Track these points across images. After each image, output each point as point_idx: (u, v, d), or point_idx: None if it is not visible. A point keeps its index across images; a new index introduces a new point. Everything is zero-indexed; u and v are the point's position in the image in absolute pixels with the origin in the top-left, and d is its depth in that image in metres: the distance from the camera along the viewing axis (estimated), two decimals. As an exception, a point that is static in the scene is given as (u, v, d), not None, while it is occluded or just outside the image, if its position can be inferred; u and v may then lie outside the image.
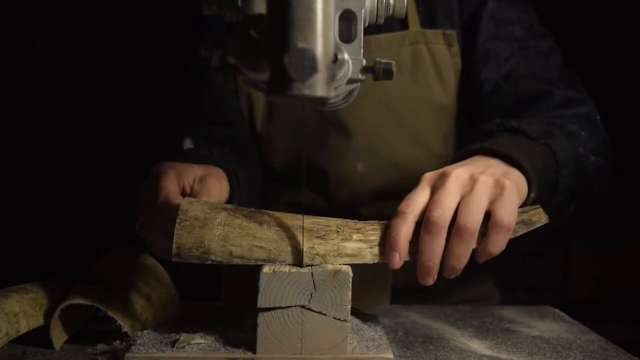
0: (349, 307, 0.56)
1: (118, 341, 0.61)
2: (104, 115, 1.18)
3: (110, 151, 1.17)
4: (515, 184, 0.61)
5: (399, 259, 0.58)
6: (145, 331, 0.62)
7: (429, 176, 0.62)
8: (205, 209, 0.59)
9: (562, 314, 0.79)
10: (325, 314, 0.55)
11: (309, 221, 0.59)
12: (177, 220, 0.57)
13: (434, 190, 0.60)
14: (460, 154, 0.69)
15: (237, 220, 0.58)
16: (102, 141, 1.18)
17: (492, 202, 0.59)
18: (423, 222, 0.58)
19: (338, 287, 0.55)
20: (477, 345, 0.65)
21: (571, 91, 0.88)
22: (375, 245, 0.59)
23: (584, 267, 1.81)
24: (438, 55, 0.94)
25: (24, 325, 0.62)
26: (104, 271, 0.67)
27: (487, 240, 0.59)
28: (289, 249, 0.57)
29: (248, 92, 0.98)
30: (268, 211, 0.60)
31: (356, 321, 0.63)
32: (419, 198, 0.60)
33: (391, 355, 0.57)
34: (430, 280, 0.59)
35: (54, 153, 1.15)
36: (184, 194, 0.71)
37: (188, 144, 0.88)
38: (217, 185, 0.73)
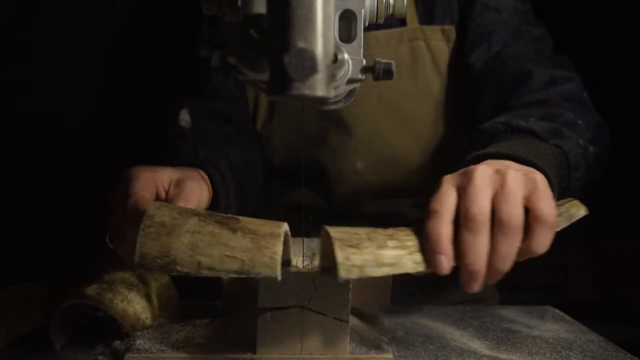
0: (349, 307, 0.56)
1: (118, 341, 0.61)
2: (103, 114, 1.18)
3: (111, 151, 1.17)
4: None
5: (446, 262, 0.52)
6: (145, 331, 0.62)
7: (449, 177, 0.57)
8: (174, 214, 0.54)
9: (562, 314, 0.79)
10: (325, 314, 0.55)
11: (335, 230, 0.53)
12: (141, 227, 0.52)
13: (461, 189, 0.55)
14: (472, 158, 0.64)
15: (209, 227, 0.53)
16: (102, 141, 1.18)
17: (528, 197, 0.54)
18: (462, 222, 0.52)
19: (338, 287, 0.55)
20: (477, 345, 0.65)
21: (558, 70, 0.86)
22: (415, 252, 0.53)
23: (584, 267, 1.81)
24: (437, 52, 0.94)
25: (24, 325, 0.62)
26: (104, 271, 0.67)
27: (531, 238, 0.53)
28: (265, 259, 0.51)
29: (254, 93, 0.98)
30: (246, 217, 0.56)
31: (356, 321, 0.63)
32: (448, 197, 0.54)
33: (391, 355, 0.57)
34: (476, 287, 0.53)
35: (54, 153, 1.15)
36: (158, 200, 0.66)
37: (184, 115, 0.85)
38: (196, 189, 0.68)
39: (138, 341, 0.59)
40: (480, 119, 0.89)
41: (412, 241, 0.53)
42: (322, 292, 0.55)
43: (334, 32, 0.49)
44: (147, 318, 0.65)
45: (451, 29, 0.94)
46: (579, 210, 0.59)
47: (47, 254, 1.08)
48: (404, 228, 0.55)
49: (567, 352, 0.63)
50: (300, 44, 0.39)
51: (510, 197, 0.53)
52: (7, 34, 1.11)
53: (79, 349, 0.62)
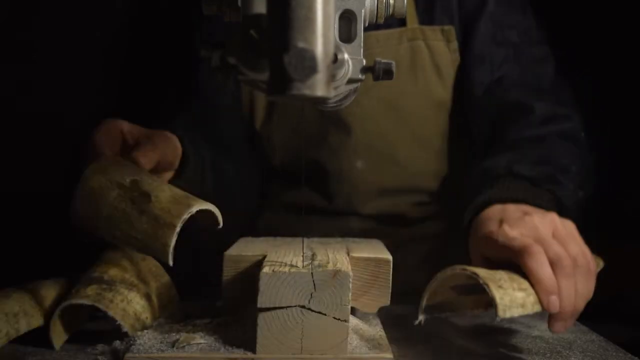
0: (349, 307, 0.55)
1: (118, 341, 0.61)
2: (103, 114, 1.18)
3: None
4: None
5: (557, 302, 0.56)
6: (145, 331, 0.62)
7: (508, 228, 0.61)
8: (103, 181, 0.60)
9: (562, 313, 0.79)
10: (325, 314, 0.55)
11: (481, 271, 0.57)
12: (77, 189, 0.58)
13: (531, 238, 0.60)
14: (483, 202, 0.69)
15: (123, 205, 0.59)
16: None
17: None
18: (554, 268, 0.57)
19: (338, 287, 0.55)
20: (477, 345, 0.65)
21: (558, 106, 0.89)
22: (531, 294, 0.57)
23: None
24: (437, 52, 0.94)
25: (24, 325, 0.62)
26: (104, 271, 0.68)
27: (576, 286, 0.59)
28: (158, 246, 0.58)
29: (249, 91, 0.98)
30: (162, 195, 0.60)
31: (356, 321, 0.63)
32: (534, 243, 0.59)
33: (391, 355, 0.57)
34: (564, 328, 0.58)
35: (54, 153, 1.15)
36: (126, 145, 0.70)
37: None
38: (166, 143, 0.71)
39: (138, 341, 0.59)
40: (475, 138, 0.93)
41: (524, 284, 0.57)
42: (322, 292, 0.55)
43: (334, 32, 0.49)
44: (147, 318, 0.65)
45: (451, 29, 0.94)
46: (600, 262, 0.64)
47: (47, 254, 1.08)
48: (508, 271, 0.58)
49: (567, 352, 0.63)
50: (300, 44, 0.39)
51: (570, 240, 0.59)
52: (7, 34, 1.11)
53: (79, 349, 0.62)
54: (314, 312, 0.55)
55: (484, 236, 0.64)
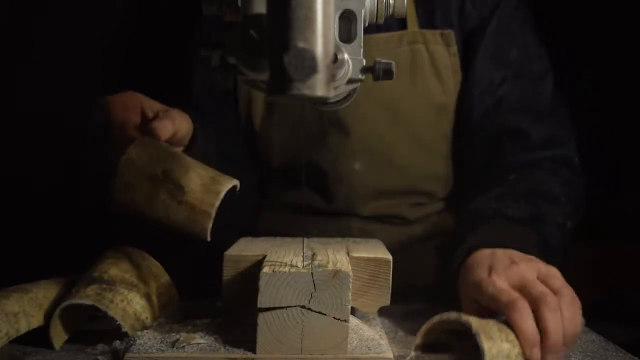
0: (349, 307, 0.55)
1: (118, 341, 0.61)
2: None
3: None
4: None
5: (540, 353, 0.59)
6: (145, 331, 0.62)
7: (496, 276, 0.64)
8: (137, 174, 0.66)
9: (562, 313, 0.79)
10: (325, 314, 0.55)
11: (474, 319, 0.59)
12: (115, 183, 0.66)
13: (518, 285, 0.62)
14: (472, 246, 0.71)
15: (162, 196, 0.65)
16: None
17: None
18: (539, 305, 0.59)
19: (338, 287, 0.55)
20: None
21: (555, 130, 0.90)
22: (516, 346, 0.58)
23: (583, 267, 1.81)
24: (436, 56, 0.94)
25: (24, 325, 0.62)
26: (104, 271, 0.68)
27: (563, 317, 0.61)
28: (198, 229, 0.65)
29: (247, 90, 0.98)
30: (193, 184, 0.65)
31: (356, 321, 0.63)
32: (517, 295, 0.61)
33: (391, 355, 0.57)
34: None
35: (54, 153, 1.15)
36: (145, 118, 0.72)
37: None
38: (181, 118, 0.74)
39: (138, 341, 0.59)
40: (472, 160, 0.94)
41: (511, 335, 0.59)
42: (322, 292, 0.55)
43: (334, 32, 0.49)
44: (147, 318, 0.65)
45: (450, 33, 0.94)
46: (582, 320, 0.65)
47: (47, 254, 1.08)
48: (496, 321, 0.61)
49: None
50: (300, 44, 0.39)
51: (554, 278, 0.63)
52: (7, 34, 1.11)
53: (79, 349, 0.62)
54: (314, 312, 0.55)
55: (474, 282, 0.65)
